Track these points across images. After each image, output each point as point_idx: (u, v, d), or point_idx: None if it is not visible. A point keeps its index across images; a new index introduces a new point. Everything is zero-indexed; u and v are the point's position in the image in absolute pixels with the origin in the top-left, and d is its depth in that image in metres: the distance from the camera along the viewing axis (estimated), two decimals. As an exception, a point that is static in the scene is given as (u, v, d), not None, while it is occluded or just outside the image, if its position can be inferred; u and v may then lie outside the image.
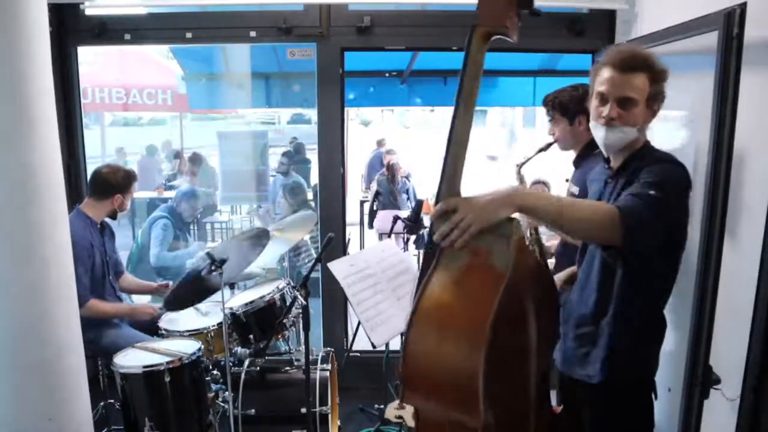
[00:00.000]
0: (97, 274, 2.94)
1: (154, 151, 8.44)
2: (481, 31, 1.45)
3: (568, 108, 2.44)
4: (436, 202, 1.46)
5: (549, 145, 2.55)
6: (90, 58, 6.30)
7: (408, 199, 7.03)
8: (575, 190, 2.47)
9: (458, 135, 1.47)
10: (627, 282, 1.68)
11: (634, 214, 1.45)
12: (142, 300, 3.86)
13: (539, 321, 1.46)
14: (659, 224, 1.53)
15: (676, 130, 2.41)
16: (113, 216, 3.06)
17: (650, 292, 1.70)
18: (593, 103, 1.71)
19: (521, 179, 2.70)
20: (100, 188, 2.98)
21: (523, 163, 2.65)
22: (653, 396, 1.78)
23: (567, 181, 2.57)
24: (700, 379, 1.86)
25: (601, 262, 1.73)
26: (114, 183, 2.97)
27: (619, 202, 1.51)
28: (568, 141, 2.49)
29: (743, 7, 1.76)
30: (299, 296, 2.73)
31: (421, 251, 6.44)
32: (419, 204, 3.54)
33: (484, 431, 1.29)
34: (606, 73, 1.66)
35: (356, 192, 8.42)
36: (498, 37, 1.47)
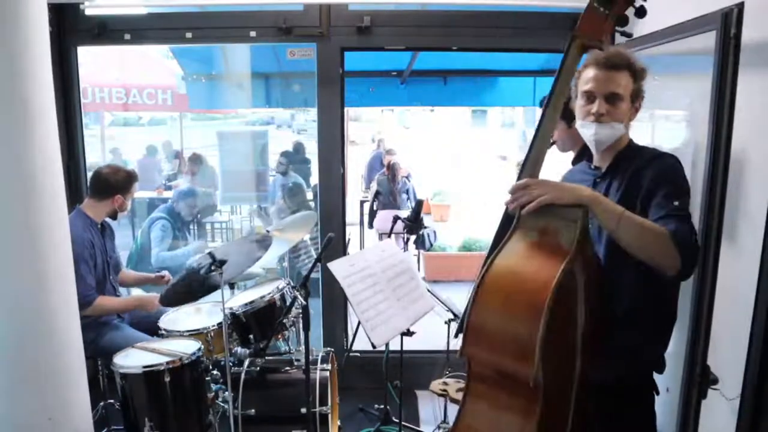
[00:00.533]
0: (98, 273, 2.95)
1: (154, 151, 8.43)
2: (579, 43, 1.66)
3: (565, 110, 2.44)
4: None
5: (550, 144, 2.55)
6: (90, 58, 6.29)
7: (408, 199, 7.03)
8: None
9: (544, 130, 1.70)
10: (636, 281, 1.67)
11: (687, 242, 1.51)
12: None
13: (587, 307, 1.59)
14: (694, 228, 1.59)
15: (675, 130, 2.41)
16: (114, 216, 3.06)
17: (659, 288, 1.70)
18: (579, 103, 1.77)
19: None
20: (101, 188, 2.98)
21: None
22: (655, 393, 1.79)
23: None
24: (697, 379, 1.86)
25: (606, 261, 1.73)
26: (114, 183, 2.97)
27: (665, 226, 1.52)
28: (566, 142, 2.49)
29: (740, 7, 1.76)
30: (299, 296, 2.73)
31: (421, 251, 6.51)
32: (419, 204, 3.54)
33: (534, 386, 1.44)
34: (590, 72, 1.72)
35: (356, 192, 8.42)
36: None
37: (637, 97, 1.73)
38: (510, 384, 1.53)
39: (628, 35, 1.72)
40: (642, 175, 1.66)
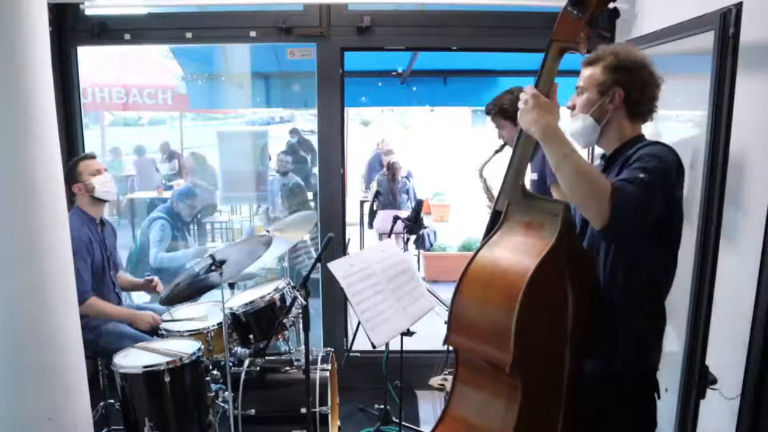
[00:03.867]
0: (97, 269, 2.95)
1: (141, 150, 8.41)
2: (556, 46, 1.71)
3: (508, 111, 2.68)
4: (502, 185, 1.74)
5: (503, 146, 2.80)
6: (90, 58, 6.28)
7: (408, 199, 7.03)
8: (534, 176, 2.74)
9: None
10: (627, 276, 1.67)
11: (622, 195, 1.49)
12: (141, 299, 3.86)
13: (575, 297, 1.62)
14: (647, 205, 1.54)
15: (674, 130, 2.42)
16: (99, 203, 2.98)
17: (650, 284, 1.69)
18: None
19: (485, 181, 2.94)
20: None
21: (483, 166, 2.92)
22: (656, 395, 1.78)
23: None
24: (696, 379, 1.86)
25: (603, 257, 1.72)
26: (66, 177, 2.93)
27: (615, 182, 1.55)
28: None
29: (739, 7, 1.76)
30: (299, 296, 2.73)
31: (421, 251, 6.50)
32: (419, 204, 3.56)
33: (510, 373, 1.49)
34: None
35: (356, 192, 8.42)
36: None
37: (610, 86, 1.68)
38: (492, 372, 1.59)
39: (605, 37, 1.78)
40: (633, 157, 1.65)
